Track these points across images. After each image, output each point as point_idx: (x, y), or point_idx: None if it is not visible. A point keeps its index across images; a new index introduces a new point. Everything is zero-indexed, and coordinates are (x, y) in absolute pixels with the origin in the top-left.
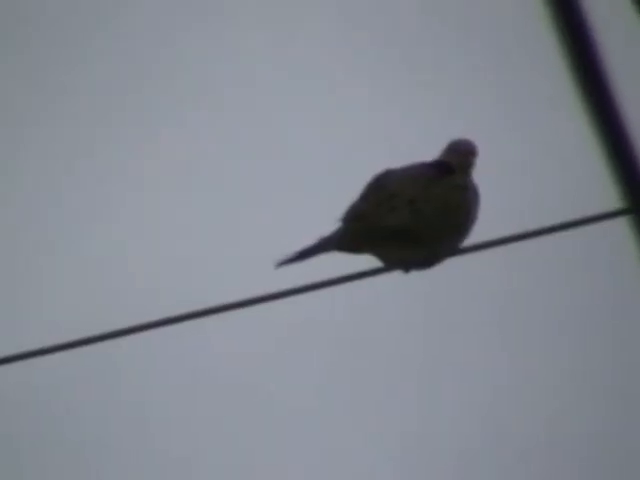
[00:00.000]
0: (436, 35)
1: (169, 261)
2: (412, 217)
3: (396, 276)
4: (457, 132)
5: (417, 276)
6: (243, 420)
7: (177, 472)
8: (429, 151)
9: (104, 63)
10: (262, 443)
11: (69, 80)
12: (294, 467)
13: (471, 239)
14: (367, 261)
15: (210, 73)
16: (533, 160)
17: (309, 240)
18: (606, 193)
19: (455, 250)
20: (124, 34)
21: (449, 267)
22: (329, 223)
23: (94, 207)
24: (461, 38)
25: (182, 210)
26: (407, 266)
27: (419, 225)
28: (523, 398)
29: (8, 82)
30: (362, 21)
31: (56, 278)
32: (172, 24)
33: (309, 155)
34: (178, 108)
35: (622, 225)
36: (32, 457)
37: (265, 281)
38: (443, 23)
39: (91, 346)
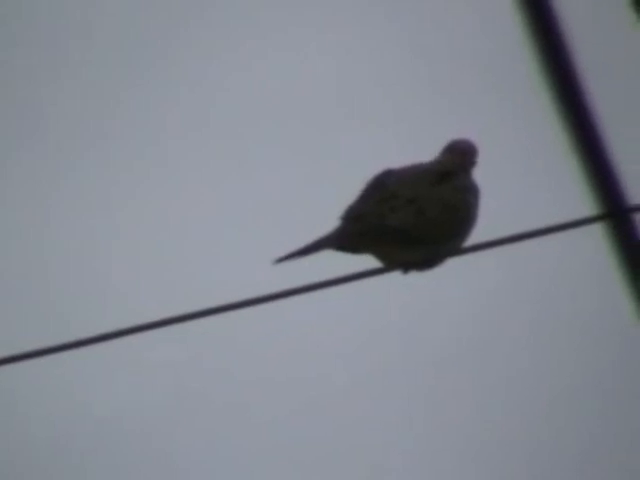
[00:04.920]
0: (433, 36)
1: (165, 261)
2: (412, 217)
3: (395, 277)
4: (438, 136)
5: (415, 277)
6: (237, 422)
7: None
8: (423, 151)
9: (101, 59)
10: (257, 446)
11: (65, 78)
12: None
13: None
14: (366, 261)
15: (211, 72)
16: (510, 167)
17: (307, 239)
18: (582, 199)
19: (456, 251)
20: (124, 32)
21: (436, 269)
22: (327, 223)
23: (89, 206)
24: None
25: (179, 208)
26: (406, 267)
27: (419, 225)
28: (511, 393)
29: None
30: (361, 21)
31: (54, 278)
32: (170, 22)
33: (306, 155)
34: (176, 107)
35: (598, 231)
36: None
37: (261, 282)
38: (444, 24)
39: (84, 348)
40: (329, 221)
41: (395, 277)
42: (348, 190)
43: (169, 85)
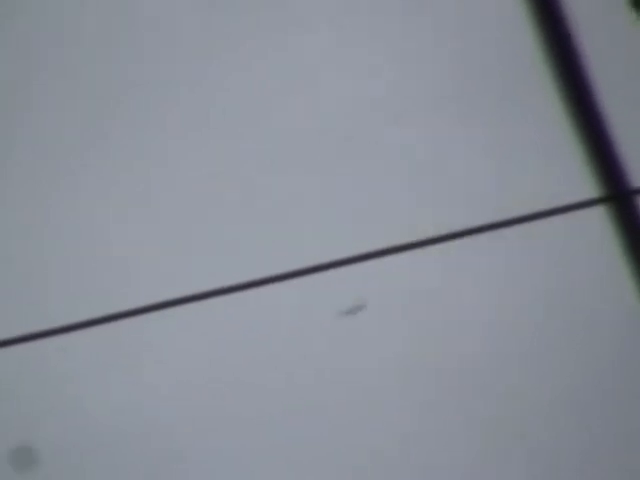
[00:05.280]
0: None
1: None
2: None
3: (395, 262)
4: (437, 116)
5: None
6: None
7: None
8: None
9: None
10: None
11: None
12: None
13: (448, 227)
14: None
15: (211, 72)
16: (509, 149)
17: (301, 241)
18: (584, 182)
19: None
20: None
21: (428, 255)
22: (324, 223)
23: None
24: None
25: (175, 203)
26: None
27: None
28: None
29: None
30: (366, 23)
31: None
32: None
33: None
34: (175, 107)
35: (600, 214)
36: None
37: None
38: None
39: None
40: (326, 221)
41: (395, 263)
42: (350, 196)
43: (167, 85)
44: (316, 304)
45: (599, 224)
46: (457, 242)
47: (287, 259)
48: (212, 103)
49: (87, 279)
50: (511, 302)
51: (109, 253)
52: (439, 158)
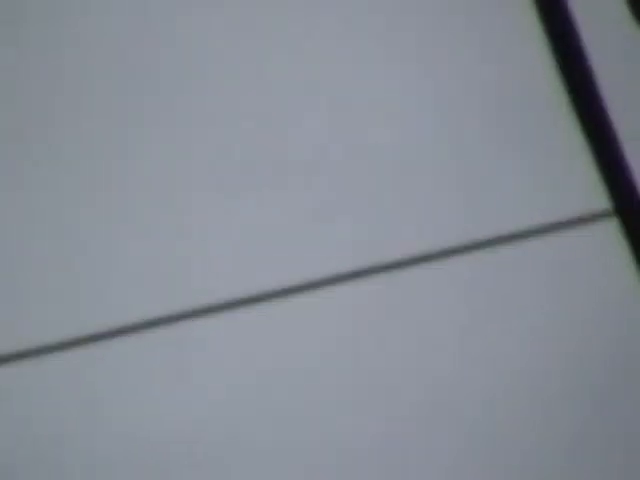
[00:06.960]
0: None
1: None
2: None
3: (384, 277)
4: (442, 124)
5: (406, 274)
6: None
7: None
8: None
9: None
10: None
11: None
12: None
13: (449, 242)
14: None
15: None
16: (515, 161)
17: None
18: (590, 195)
19: None
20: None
21: (428, 271)
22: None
23: (92, 207)
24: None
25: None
26: None
27: None
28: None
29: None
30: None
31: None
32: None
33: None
34: (179, 111)
35: (607, 228)
36: None
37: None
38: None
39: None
40: (324, 217)
41: (404, 274)
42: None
43: (167, 88)
44: (319, 317)
45: (609, 237)
46: (463, 257)
47: (298, 273)
48: (218, 108)
49: (109, 288)
50: (518, 317)
51: (126, 264)
52: (452, 172)
